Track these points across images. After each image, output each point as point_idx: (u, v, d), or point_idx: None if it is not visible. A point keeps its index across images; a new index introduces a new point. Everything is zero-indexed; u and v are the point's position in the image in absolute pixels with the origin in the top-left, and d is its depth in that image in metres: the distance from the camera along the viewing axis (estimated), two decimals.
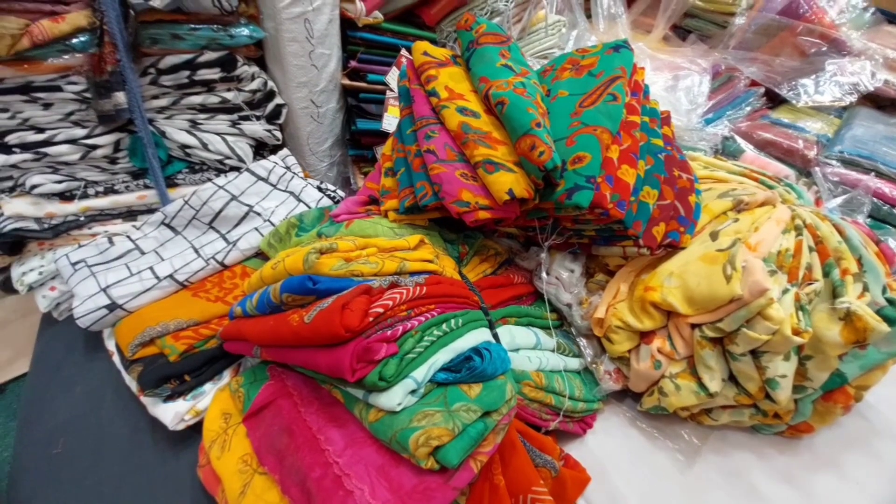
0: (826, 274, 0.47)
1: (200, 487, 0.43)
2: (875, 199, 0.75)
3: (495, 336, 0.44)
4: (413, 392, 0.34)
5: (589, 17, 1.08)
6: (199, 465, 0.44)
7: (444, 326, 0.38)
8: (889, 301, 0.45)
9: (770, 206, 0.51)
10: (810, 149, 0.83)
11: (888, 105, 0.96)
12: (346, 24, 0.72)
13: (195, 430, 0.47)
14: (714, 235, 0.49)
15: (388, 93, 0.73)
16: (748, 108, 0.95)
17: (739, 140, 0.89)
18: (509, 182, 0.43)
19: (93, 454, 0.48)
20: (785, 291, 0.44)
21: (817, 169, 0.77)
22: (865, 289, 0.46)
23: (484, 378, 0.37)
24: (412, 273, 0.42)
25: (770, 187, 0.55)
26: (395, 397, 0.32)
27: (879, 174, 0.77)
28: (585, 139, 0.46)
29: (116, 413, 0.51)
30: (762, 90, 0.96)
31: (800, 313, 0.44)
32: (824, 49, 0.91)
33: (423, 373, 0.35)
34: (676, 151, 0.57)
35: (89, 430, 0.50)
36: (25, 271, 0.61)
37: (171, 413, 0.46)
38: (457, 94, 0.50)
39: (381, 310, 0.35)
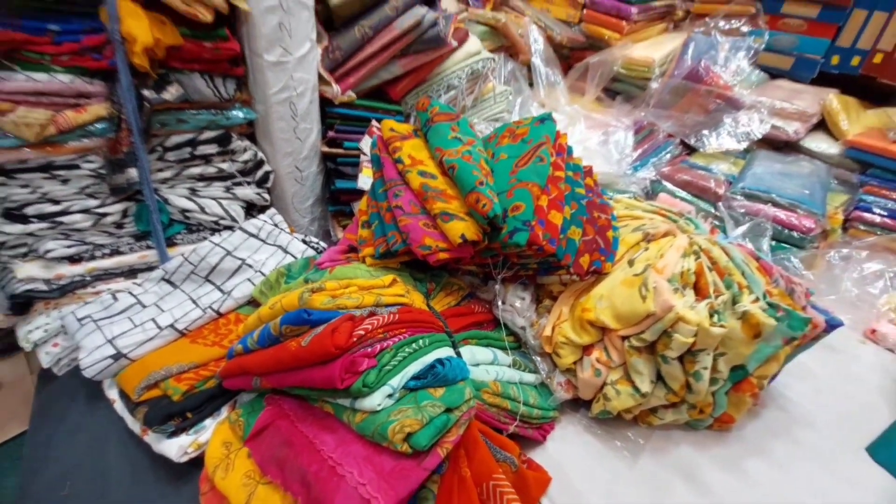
0: (728, 287, 0.58)
1: None
2: (775, 225, 0.90)
3: (458, 353, 0.53)
4: (390, 396, 0.43)
5: (531, 84, 1.27)
6: (201, 494, 0.49)
7: (413, 345, 0.47)
8: (769, 304, 0.57)
9: (672, 237, 0.64)
10: (720, 186, 1.00)
11: (783, 146, 1.16)
12: (325, 102, 0.86)
13: (194, 465, 0.52)
14: (631, 262, 0.61)
15: (361, 157, 0.86)
16: (668, 156, 1.12)
17: (665, 182, 1.05)
18: (461, 228, 0.54)
19: (99, 494, 0.52)
20: (697, 303, 0.55)
21: (720, 203, 0.92)
22: (758, 298, 0.57)
23: (447, 382, 0.45)
24: (387, 305, 0.52)
25: (674, 221, 0.68)
26: (375, 399, 0.41)
27: (776, 204, 0.93)
28: (520, 192, 0.58)
29: (120, 455, 0.56)
30: (678, 140, 1.15)
31: (715, 317, 0.54)
32: (722, 105, 1.10)
33: (397, 381, 0.43)
34: (597, 197, 0.71)
35: (95, 473, 0.54)
36: (31, 329, 0.66)
37: (175, 447, 0.52)
38: (417, 161, 0.63)
39: (362, 332, 0.44)
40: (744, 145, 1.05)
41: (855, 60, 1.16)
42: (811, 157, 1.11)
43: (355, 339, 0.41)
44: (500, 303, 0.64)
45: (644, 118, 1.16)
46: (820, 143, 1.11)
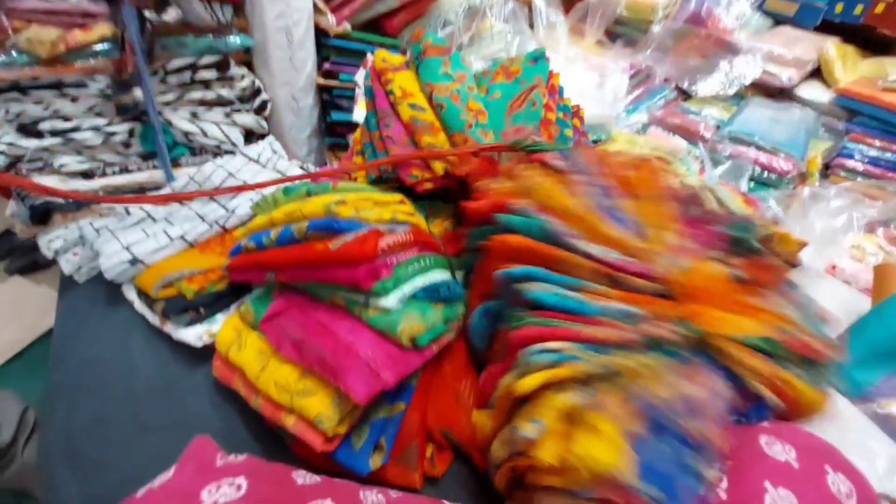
0: None
1: (218, 389, 0.55)
2: (755, 166, 0.93)
3: (454, 275, 0.59)
4: (401, 300, 0.49)
5: (532, 25, 1.25)
6: (214, 367, 0.56)
7: (422, 262, 0.53)
8: None
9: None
10: (708, 130, 1.02)
11: (777, 93, 1.17)
12: (321, 35, 0.87)
13: (210, 351, 0.59)
14: None
15: (356, 90, 0.88)
16: (662, 101, 1.13)
17: (655, 127, 1.08)
18: (445, 162, 0.58)
19: (125, 373, 0.60)
20: None
21: (702, 145, 0.95)
22: None
23: (446, 301, 0.52)
24: (400, 222, 0.57)
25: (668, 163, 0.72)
26: (390, 301, 0.47)
27: (759, 147, 0.96)
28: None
29: (143, 344, 0.62)
30: (674, 84, 1.15)
31: None
32: (720, 51, 1.10)
33: (408, 289, 0.49)
34: (583, 136, 0.74)
35: (120, 358, 0.61)
36: (52, 239, 0.72)
37: (193, 334, 0.59)
38: (408, 93, 0.66)
39: (385, 246, 0.49)
40: (733, 90, 1.06)
41: (858, 9, 1.14)
42: (802, 104, 1.12)
43: (380, 252, 0.47)
44: None
45: (642, 62, 1.16)
46: (813, 91, 1.12)
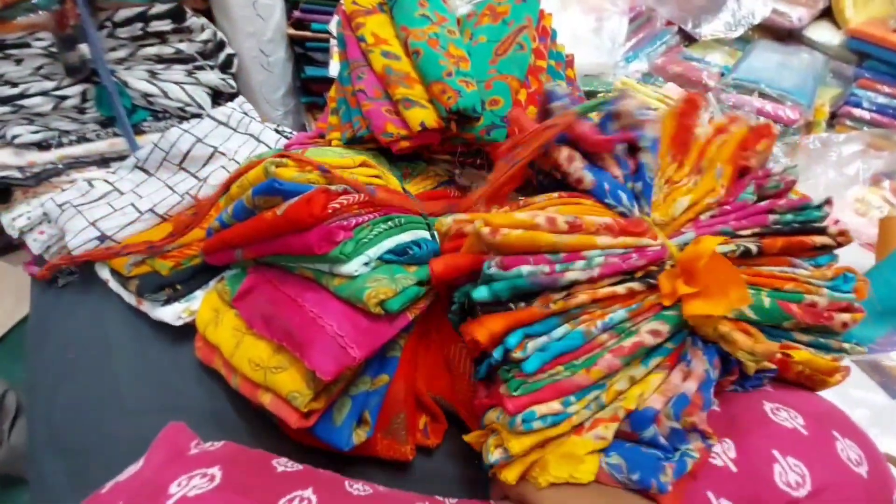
0: None
1: (202, 368, 0.54)
2: (758, 116, 0.88)
3: (432, 236, 0.56)
4: (366, 265, 0.45)
5: None
6: (196, 349, 0.54)
7: (389, 223, 0.49)
8: None
9: None
10: (711, 78, 0.96)
11: (786, 36, 1.09)
12: None
13: (190, 328, 0.57)
14: None
15: (331, 41, 0.80)
16: (664, 47, 1.06)
17: (656, 76, 1.01)
18: (421, 116, 0.53)
19: (104, 355, 0.58)
20: None
21: (710, 94, 0.89)
22: None
23: (420, 262, 0.48)
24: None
25: None
26: (353, 266, 0.44)
27: (764, 95, 0.91)
28: (499, 85, 0.56)
29: (120, 323, 0.60)
30: (676, 28, 1.07)
31: None
32: None
33: (374, 252, 0.46)
34: (576, 90, 0.68)
35: (98, 339, 0.59)
36: (15, 217, 0.68)
37: (170, 313, 0.56)
38: (381, 40, 0.59)
39: (337, 205, 0.45)
40: (741, 30, 0.99)
41: None
42: (811, 48, 1.05)
43: (330, 211, 0.43)
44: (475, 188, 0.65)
45: (643, 2, 1.07)
46: (823, 33, 1.05)
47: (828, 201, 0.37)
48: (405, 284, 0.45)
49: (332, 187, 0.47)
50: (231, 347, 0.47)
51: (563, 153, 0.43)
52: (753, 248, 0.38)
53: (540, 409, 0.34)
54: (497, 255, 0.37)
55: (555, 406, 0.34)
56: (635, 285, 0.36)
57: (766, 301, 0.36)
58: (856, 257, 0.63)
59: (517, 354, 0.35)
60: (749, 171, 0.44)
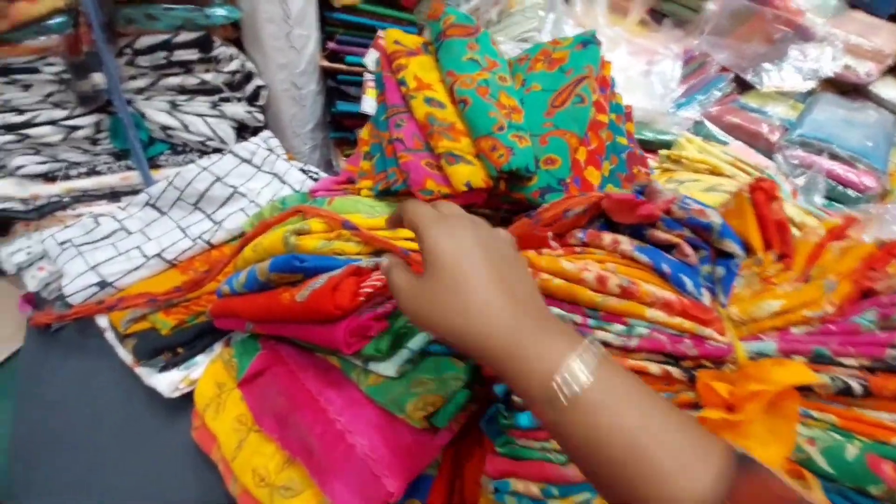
0: None
1: (196, 449, 0.46)
2: (829, 180, 0.80)
3: None
4: (409, 361, 0.38)
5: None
6: (193, 428, 0.47)
7: None
8: None
9: None
10: (773, 133, 0.88)
11: (850, 90, 1.01)
12: (324, 4, 0.73)
13: (188, 399, 0.50)
14: None
15: (365, 74, 0.75)
16: (718, 94, 0.98)
17: (709, 125, 0.93)
18: (467, 174, 0.46)
19: (91, 425, 0.51)
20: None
21: (777, 154, 0.81)
22: None
23: None
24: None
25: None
26: (393, 365, 0.36)
27: (834, 156, 0.82)
28: (556, 142, 0.49)
29: (111, 385, 0.54)
30: (732, 75, 1.00)
31: None
32: (790, 35, 0.94)
33: (418, 343, 0.38)
34: (636, 146, 0.61)
35: (86, 403, 0.53)
36: (13, 251, 0.62)
37: (166, 382, 0.49)
38: (425, 84, 0.53)
39: (370, 289, 0.37)
40: (810, 84, 0.91)
41: None
42: (878, 104, 0.96)
43: (362, 299, 0.36)
44: None
45: (696, 47, 1.00)
46: (890, 91, 0.97)
47: None
48: (454, 387, 0.37)
49: (363, 263, 0.40)
50: (232, 448, 0.40)
51: (606, 239, 0.36)
52: (857, 386, 0.29)
53: (516, 484, 0.31)
54: None
55: (533, 489, 0.31)
56: (675, 371, 0.31)
57: (851, 452, 0.27)
58: None
59: (517, 398, 0.32)
60: (871, 295, 0.35)
